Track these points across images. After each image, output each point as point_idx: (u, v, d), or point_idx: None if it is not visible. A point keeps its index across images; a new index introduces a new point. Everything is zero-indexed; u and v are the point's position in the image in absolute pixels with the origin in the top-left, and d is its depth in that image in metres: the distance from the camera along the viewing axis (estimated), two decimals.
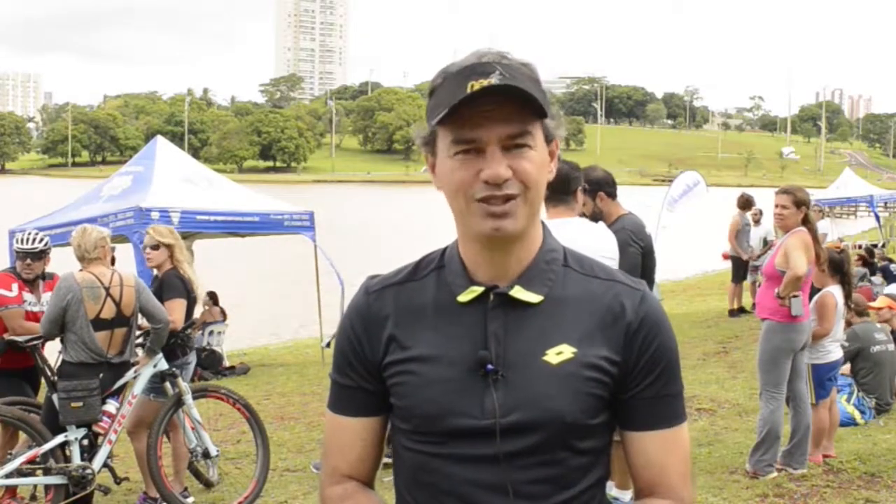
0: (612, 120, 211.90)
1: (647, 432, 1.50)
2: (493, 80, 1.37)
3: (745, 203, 13.96)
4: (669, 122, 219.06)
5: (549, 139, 1.48)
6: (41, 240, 6.09)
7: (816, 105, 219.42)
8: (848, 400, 7.36)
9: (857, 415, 7.31)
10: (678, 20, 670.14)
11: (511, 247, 1.47)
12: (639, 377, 1.48)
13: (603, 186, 5.23)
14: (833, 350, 6.24)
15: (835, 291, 6.24)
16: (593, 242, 4.32)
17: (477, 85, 1.38)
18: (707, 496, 5.46)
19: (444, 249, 1.57)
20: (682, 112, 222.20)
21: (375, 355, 1.53)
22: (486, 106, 1.39)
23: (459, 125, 1.41)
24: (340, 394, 1.58)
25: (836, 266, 6.29)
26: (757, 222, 14.18)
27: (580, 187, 4.63)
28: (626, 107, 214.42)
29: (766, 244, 14.25)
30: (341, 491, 1.57)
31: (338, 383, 1.58)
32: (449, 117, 1.40)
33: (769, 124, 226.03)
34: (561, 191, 4.43)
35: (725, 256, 14.83)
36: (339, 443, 1.58)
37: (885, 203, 32.86)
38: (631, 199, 7.22)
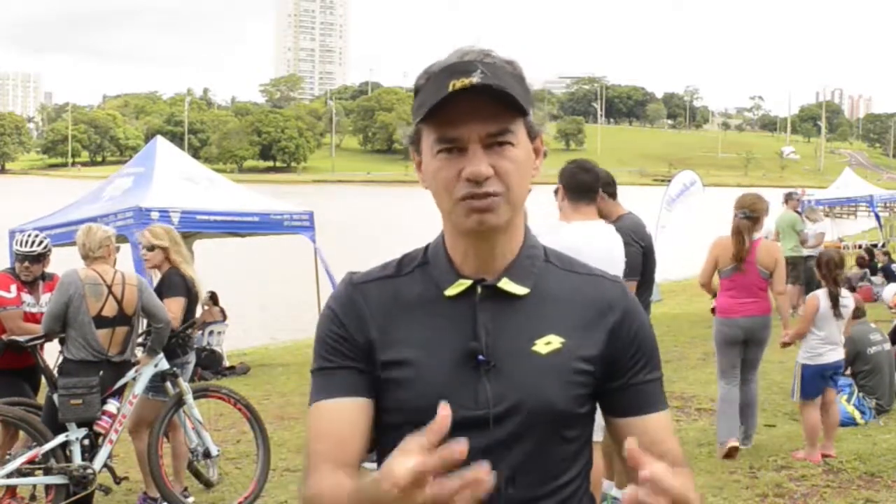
0: (612, 120, 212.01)
1: (649, 415, 1.56)
2: (475, 78, 1.39)
3: None
4: (669, 122, 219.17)
5: (532, 135, 1.50)
6: (40, 242, 6.07)
7: (816, 105, 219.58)
8: (848, 400, 7.36)
9: (857, 415, 7.30)
10: (678, 20, 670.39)
11: (496, 240, 1.50)
12: (629, 364, 1.54)
13: (604, 186, 5.24)
14: (824, 352, 6.24)
15: (820, 293, 6.30)
16: (616, 245, 4.43)
17: (458, 84, 1.39)
18: (707, 496, 5.46)
19: (427, 246, 1.59)
20: (682, 112, 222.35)
21: (363, 341, 1.52)
22: (467, 105, 1.41)
23: (441, 124, 1.43)
24: (324, 379, 1.52)
25: (819, 267, 6.41)
26: None
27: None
28: (626, 107, 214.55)
29: None
30: (334, 479, 1.45)
31: (322, 369, 1.53)
32: (431, 116, 1.42)
33: (769, 124, 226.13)
34: (592, 189, 4.53)
35: None
36: (322, 429, 1.50)
37: (885, 203, 32.89)
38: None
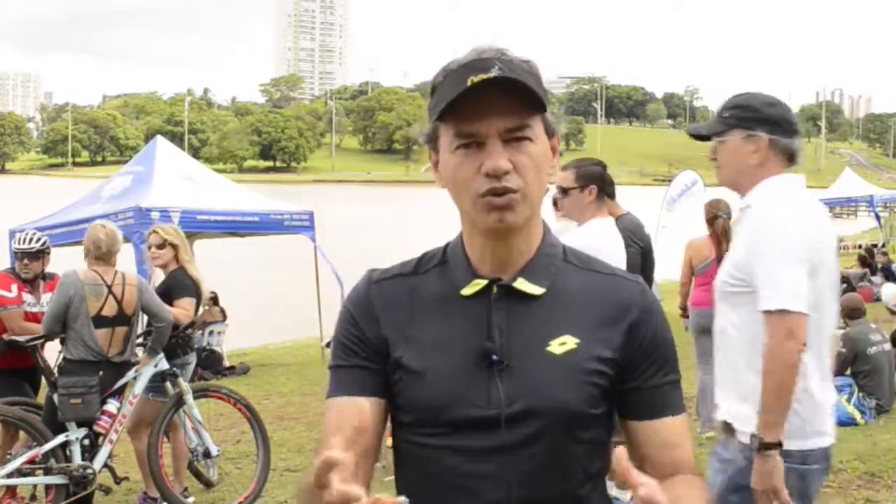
0: (612, 120, 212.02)
1: (662, 419, 1.53)
2: (493, 73, 1.40)
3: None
4: (669, 122, 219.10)
5: (549, 133, 1.50)
6: (38, 240, 6.09)
7: (816, 105, 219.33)
8: (848, 400, 7.35)
9: (857, 415, 7.30)
10: (678, 20, 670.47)
11: (514, 239, 1.49)
12: (644, 366, 1.52)
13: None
14: None
15: None
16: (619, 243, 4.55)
17: (476, 79, 1.39)
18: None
19: (446, 245, 1.59)
20: (682, 112, 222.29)
21: (377, 340, 1.53)
22: (486, 99, 1.41)
23: (460, 119, 1.43)
24: (340, 377, 1.55)
25: None
26: None
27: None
28: (626, 107, 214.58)
29: None
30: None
31: (338, 367, 1.55)
32: (449, 112, 1.42)
33: None
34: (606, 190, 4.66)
35: None
36: (334, 424, 1.53)
37: (885, 203, 32.90)
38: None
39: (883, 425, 7.22)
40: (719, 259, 6.88)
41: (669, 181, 18.59)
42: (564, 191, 4.60)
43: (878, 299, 14.52)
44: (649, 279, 5.43)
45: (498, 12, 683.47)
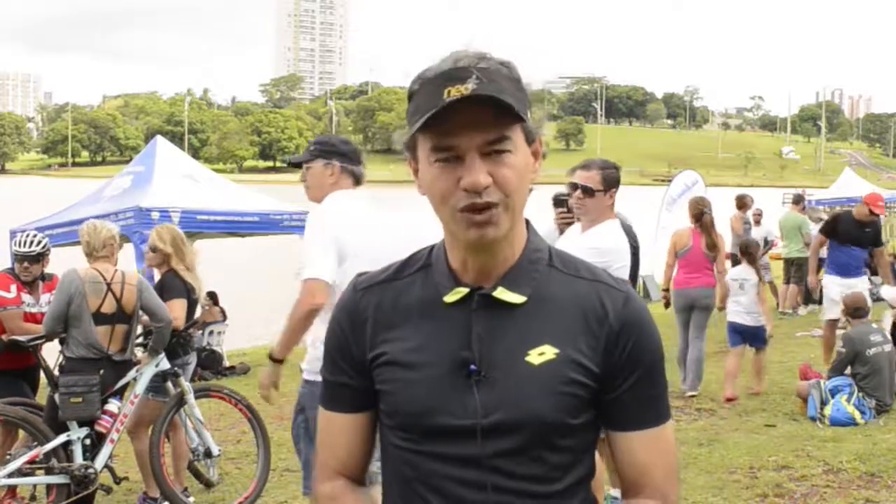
0: (612, 120, 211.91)
1: (631, 432, 1.53)
2: (470, 85, 1.37)
3: (742, 203, 13.99)
4: (669, 122, 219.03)
5: (530, 140, 1.48)
6: (39, 242, 6.08)
7: (816, 105, 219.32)
8: (848, 400, 7.34)
9: (857, 415, 7.29)
10: (678, 20, 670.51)
11: (495, 249, 1.48)
12: (620, 378, 1.50)
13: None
14: (734, 312, 8.29)
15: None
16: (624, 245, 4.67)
17: (454, 92, 1.37)
18: (707, 496, 5.46)
19: (432, 248, 1.58)
20: (682, 112, 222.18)
21: (361, 352, 1.55)
22: (463, 113, 1.38)
23: (437, 133, 1.41)
24: (329, 390, 1.62)
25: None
26: (757, 223, 14.22)
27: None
28: (626, 107, 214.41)
29: (767, 244, 14.26)
30: (330, 490, 1.62)
31: (327, 380, 1.62)
32: (426, 126, 1.40)
33: (769, 124, 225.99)
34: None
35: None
36: (328, 439, 1.63)
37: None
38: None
39: (883, 425, 7.21)
40: (708, 247, 8.32)
41: (669, 181, 18.58)
42: (590, 191, 4.60)
43: (879, 299, 14.51)
44: (635, 276, 5.49)
45: (498, 12, 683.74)
